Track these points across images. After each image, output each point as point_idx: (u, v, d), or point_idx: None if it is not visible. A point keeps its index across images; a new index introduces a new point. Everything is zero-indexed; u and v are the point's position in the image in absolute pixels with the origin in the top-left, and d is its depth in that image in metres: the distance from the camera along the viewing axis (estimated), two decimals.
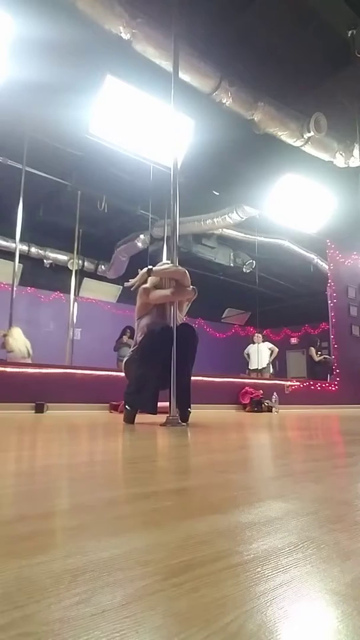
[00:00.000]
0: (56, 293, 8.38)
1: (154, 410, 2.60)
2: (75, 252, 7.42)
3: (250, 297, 9.05)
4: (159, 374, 2.59)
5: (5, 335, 4.93)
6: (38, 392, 4.01)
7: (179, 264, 2.87)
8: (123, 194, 6.61)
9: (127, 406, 2.69)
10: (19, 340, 4.94)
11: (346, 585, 0.40)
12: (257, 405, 5.36)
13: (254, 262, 8.80)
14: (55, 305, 8.22)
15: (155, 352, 2.59)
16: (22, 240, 6.07)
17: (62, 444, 1.68)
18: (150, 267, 2.77)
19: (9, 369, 4.09)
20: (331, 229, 7.17)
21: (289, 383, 6.61)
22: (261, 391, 5.61)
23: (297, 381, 6.80)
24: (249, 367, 8.25)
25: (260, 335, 8.54)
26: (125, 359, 2.85)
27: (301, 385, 6.78)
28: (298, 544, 0.51)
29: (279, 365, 9.65)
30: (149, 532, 0.55)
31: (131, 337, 5.38)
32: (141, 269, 2.82)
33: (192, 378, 2.94)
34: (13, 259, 5.66)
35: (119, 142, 4.85)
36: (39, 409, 3.85)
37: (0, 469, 1.05)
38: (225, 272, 9.40)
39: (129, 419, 2.63)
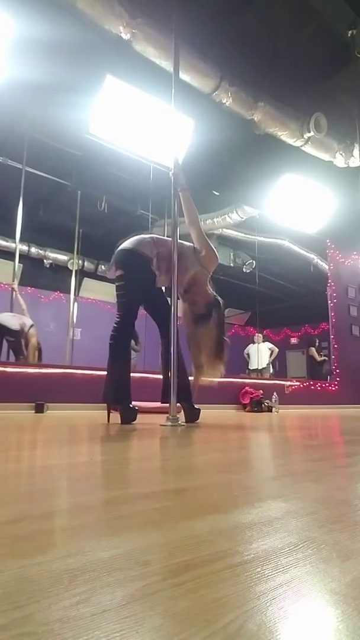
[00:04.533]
0: (56, 293, 8.38)
1: (130, 399, 2.69)
2: (75, 252, 7.42)
3: (250, 297, 9.05)
4: (128, 366, 2.73)
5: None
6: (38, 392, 4.01)
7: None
8: (123, 194, 6.61)
9: (119, 405, 2.68)
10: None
11: (346, 585, 0.40)
12: (257, 405, 5.36)
13: (254, 262, 8.80)
14: (55, 305, 8.22)
15: (119, 355, 2.73)
16: (22, 240, 6.06)
17: (62, 444, 1.68)
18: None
19: (9, 369, 4.10)
20: (331, 229, 7.17)
21: (289, 383, 6.61)
22: (261, 391, 5.61)
23: (297, 381, 6.80)
24: (249, 367, 8.26)
25: (260, 335, 8.54)
26: None
27: (301, 385, 6.78)
28: (298, 544, 0.51)
29: (279, 365, 9.65)
30: (148, 532, 0.55)
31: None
32: None
33: (192, 378, 2.94)
34: (13, 259, 5.66)
35: (119, 142, 4.85)
36: (39, 409, 3.85)
37: (0, 469, 1.05)
38: (225, 272, 9.39)
39: (127, 419, 2.62)
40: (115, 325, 2.77)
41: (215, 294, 2.90)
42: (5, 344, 4.85)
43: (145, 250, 2.80)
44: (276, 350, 8.38)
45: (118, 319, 2.79)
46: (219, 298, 2.89)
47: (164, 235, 3.21)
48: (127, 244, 2.87)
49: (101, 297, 8.86)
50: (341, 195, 6.56)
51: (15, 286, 5.22)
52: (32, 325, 4.97)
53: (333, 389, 7.31)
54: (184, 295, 2.91)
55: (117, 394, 2.67)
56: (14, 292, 5.19)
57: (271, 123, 5.12)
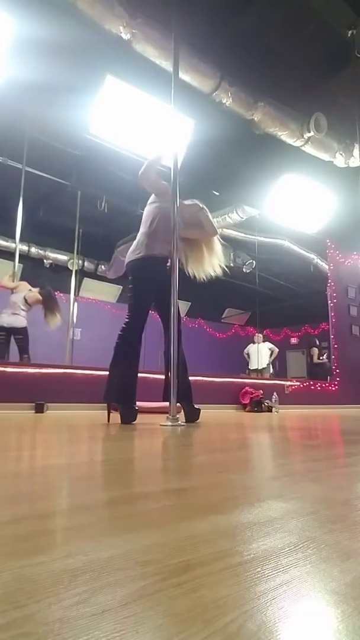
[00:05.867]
0: (56, 293, 8.38)
1: (133, 399, 2.70)
2: (75, 252, 7.42)
3: (250, 297, 9.06)
4: (133, 366, 2.73)
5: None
6: (38, 392, 4.01)
7: (178, 263, 2.86)
8: (123, 194, 6.61)
9: (121, 405, 2.67)
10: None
11: (346, 585, 0.40)
12: (257, 405, 5.36)
13: (254, 262, 8.80)
14: None
15: (123, 355, 2.73)
16: (22, 240, 6.06)
17: (62, 444, 1.68)
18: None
19: (9, 369, 4.10)
20: (331, 229, 7.17)
21: (289, 383, 6.61)
22: (261, 391, 5.61)
23: (297, 381, 6.80)
24: (249, 367, 8.26)
25: (260, 335, 8.55)
26: None
27: (301, 385, 6.78)
28: (298, 544, 0.51)
29: (279, 365, 9.65)
30: (148, 532, 0.55)
31: None
32: None
33: (192, 378, 2.94)
34: (13, 259, 5.66)
35: (119, 142, 4.85)
36: (39, 409, 3.85)
37: (0, 469, 1.05)
38: (225, 272, 9.40)
39: (127, 419, 2.62)
40: (123, 325, 2.77)
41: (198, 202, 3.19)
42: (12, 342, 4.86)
43: (154, 252, 2.79)
44: (276, 350, 8.38)
45: (127, 319, 2.77)
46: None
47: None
48: (135, 254, 2.83)
49: (101, 297, 8.87)
50: (341, 195, 6.56)
51: (8, 275, 5.25)
52: (25, 297, 4.98)
53: (333, 389, 7.31)
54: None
55: (120, 393, 2.67)
56: (11, 283, 5.19)
57: (271, 123, 5.12)
